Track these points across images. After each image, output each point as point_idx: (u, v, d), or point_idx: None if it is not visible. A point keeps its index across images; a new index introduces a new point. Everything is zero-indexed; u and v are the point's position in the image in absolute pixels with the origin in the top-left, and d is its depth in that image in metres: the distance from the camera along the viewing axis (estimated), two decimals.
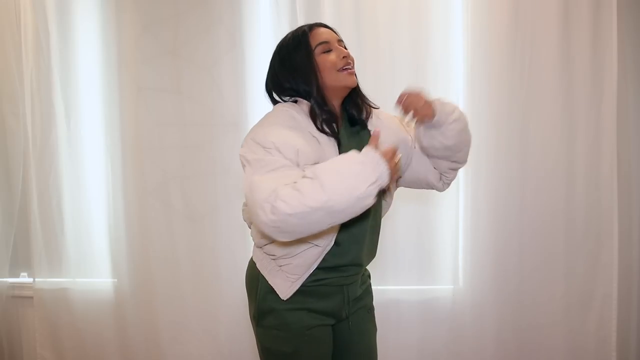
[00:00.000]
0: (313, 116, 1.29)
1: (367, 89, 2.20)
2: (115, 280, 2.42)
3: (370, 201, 1.10)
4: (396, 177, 1.21)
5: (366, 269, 1.52)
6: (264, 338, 1.39)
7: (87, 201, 2.42)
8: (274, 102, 1.39)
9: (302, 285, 1.34)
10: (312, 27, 1.34)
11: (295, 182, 1.11)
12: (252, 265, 1.42)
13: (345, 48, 1.36)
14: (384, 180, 1.11)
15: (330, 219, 1.11)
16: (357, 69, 2.15)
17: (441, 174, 1.47)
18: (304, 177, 1.12)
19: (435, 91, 2.19)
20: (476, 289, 2.27)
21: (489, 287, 2.26)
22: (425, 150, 1.42)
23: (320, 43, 1.31)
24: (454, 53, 2.24)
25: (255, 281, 1.39)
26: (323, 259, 1.32)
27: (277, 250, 1.31)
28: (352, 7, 2.20)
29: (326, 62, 1.30)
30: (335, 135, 1.30)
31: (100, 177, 2.42)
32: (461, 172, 2.25)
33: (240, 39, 2.26)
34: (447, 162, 1.42)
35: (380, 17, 2.20)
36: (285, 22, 2.22)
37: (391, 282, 2.28)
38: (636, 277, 2.27)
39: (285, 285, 1.33)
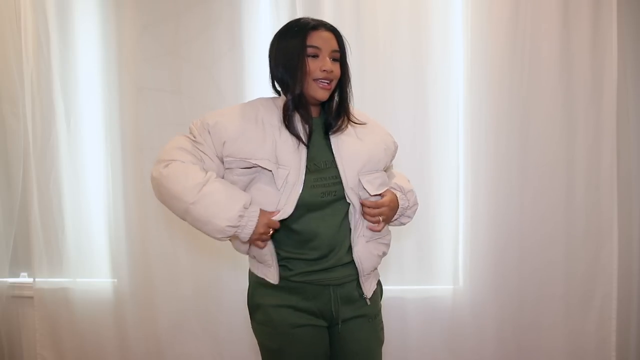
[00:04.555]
0: (285, 111, 1.34)
1: (367, 89, 2.19)
2: (115, 280, 2.41)
3: (220, 236, 1.27)
4: (257, 242, 1.33)
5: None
6: (256, 332, 1.43)
7: (87, 201, 2.42)
8: (276, 90, 1.41)
9: (287, 282, 1.36)
10: (316, 26, 1.33)
11: (195, 164, 1.29)
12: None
13: (341, 59, 1.36)
14: (241, 235, 1.28)
15: (184, 216, 1.29)
16: (357, 69, 2.15)
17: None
18: (203, 169, 1.30)
19: (435, 91, 2.22)
20: (476, 289, 2.27)
21: (489, 287, 2.26)
22: None
23: (312, 46, 1.32)
24: (454, 53, 2.24)
25: (249, 277, 1.46)
26: (287, 248, 1.35)
27: (243, 247, 1.39)
28: (352, 7, 2.20)
29: (307, 66, 1.32)
30: (297, 136, 1.32)
31: (100, 177, 2.41)
32: (461, 172, 2.27)
33: (240, 39, 2.26)
34: None
35: (380, 18, 2.20)
36: (285, 22, 2.22)
37: (391, 282, 2.28)
38: (636, 277, 2.27)
39: (270, 272, 1.37)
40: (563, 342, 2.26)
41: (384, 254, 1.44)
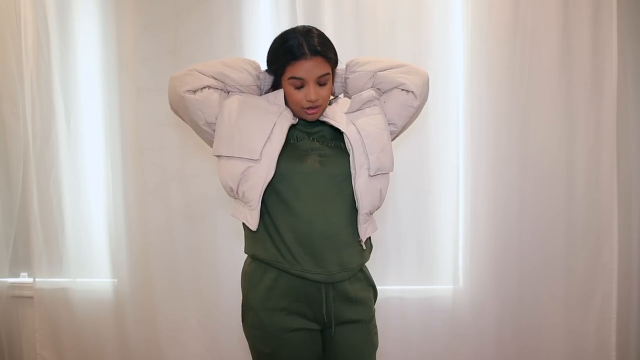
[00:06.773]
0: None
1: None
2: (115, 280, 2.41)
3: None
4: None
5: (368, 278, 1.45)
6: (247, 336, 1.43)
7: (87, 201, 2.42)
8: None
9: (277, 284, 1.35)
10: (302, 56, 1.31)
11: None
12: (243, 266, 1.47)
13: (329, 81, 1.37)
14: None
15: (220, 68, 1.38)
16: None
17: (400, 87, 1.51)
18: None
19: (435, 91, 2.21)
20: (476, 289, 2.27)
21: (489, 287, 2.26)
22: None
23: (295, 78, 1.33)
24: (454, 53, 2.24)
25: (242, 281, 1.46)
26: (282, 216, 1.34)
27: (233, 182, 1.36)
28: (352, 7, 2.20)
29: (292, 95, 1.36)
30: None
31: (100, 177, 2.41)
32: (461, 171, 2.27)
33: (240, 39, 2.26)
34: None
35: (380, 17, 2.20)
36: (285, 23, 2.22)
37: (391, 282, 2.28)
38: (636, 277, 2.27)
39: (250, 215, 1.35)
40: (563, 342, 2.26)
41: (381, 191, 1.39)
